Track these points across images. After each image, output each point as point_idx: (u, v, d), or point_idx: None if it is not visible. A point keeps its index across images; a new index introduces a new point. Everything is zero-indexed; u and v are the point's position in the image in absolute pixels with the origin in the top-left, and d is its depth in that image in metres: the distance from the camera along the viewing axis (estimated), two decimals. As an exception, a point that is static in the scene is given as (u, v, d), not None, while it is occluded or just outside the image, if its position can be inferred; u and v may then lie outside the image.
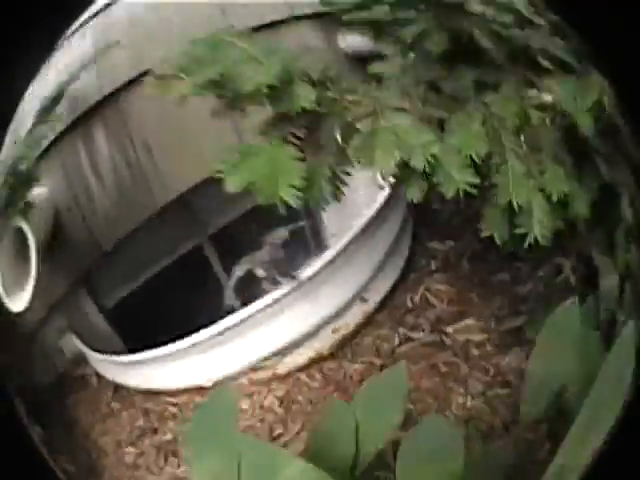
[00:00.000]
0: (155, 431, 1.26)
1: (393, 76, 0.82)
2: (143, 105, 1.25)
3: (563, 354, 0.81)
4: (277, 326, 1.13)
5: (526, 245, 0.73)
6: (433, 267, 1.23)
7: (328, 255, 1.14)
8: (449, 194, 0.69)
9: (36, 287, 1.10)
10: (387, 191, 1.19)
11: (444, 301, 1.18)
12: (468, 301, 1.16)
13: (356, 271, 1.17)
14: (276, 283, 1.12)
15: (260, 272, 1.14)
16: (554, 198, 0.72)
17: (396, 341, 1.15)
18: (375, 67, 0.87)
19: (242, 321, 1.11)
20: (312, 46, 1.36)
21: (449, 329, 1.14)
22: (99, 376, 1.40)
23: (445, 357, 1.08)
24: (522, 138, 0.74)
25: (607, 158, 0.79)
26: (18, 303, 1.11)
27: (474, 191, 0.69)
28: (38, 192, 1.28)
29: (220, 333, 1.11)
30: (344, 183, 0.72)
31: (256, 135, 0.72)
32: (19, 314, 1.16)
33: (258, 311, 1.10)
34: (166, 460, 1.21)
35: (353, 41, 1.32)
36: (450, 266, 1.22)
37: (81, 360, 1.44)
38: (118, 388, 1.37)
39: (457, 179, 0.68)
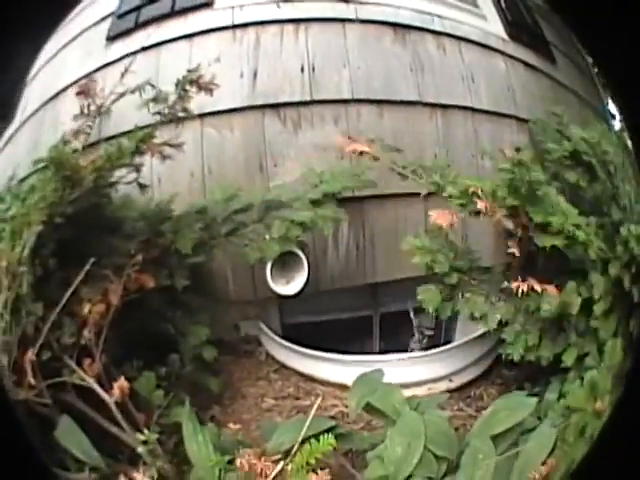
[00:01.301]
0: (297, 398, 1.97)
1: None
2: (379, 215, 2.11)
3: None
4: (405, 370, 1.99)
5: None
6: (498, 381, 2.09)
7: (446, 347, 2.05)
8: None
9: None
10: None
11: (491, 399, 2.01)
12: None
13: (455, 362, 2.05)
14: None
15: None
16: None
17: (455, 407, 1.99)
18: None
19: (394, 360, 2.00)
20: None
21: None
22: (268, 354, 2.13)
23: (467, 420, 1.92)
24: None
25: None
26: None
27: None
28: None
29: (375, 361, 1.97)
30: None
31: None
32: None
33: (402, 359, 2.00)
34: (297, 413, 1.89)
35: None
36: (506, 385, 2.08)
37: (252, 340, 2.17)
38: (281, 368, 2.09)
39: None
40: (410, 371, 1.99)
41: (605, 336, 1.76)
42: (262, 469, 1.31)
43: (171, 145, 1.90)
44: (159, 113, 1.92)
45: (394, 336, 2.18)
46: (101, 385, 1.57)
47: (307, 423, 1.46)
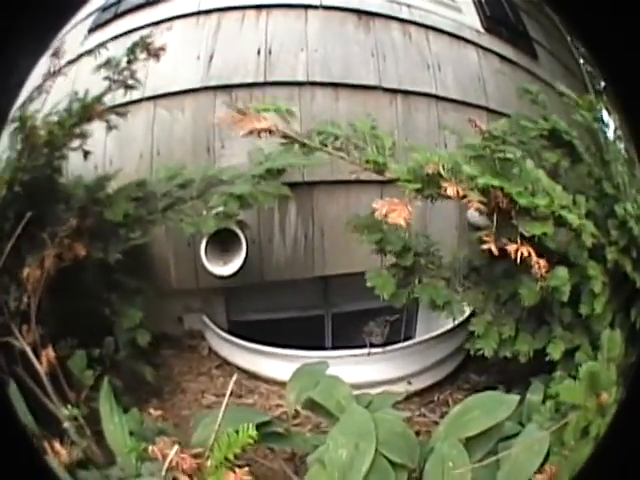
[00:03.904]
0: (240, 396, 1.92)
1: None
2: (330, 203, 2.10)
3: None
4: (358, 369, 1.92)
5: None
6: (465, 386, 2.00)
7: (405, 344, 1.97)
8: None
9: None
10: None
11: (455, 404, 1.91)
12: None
13: (415, 363, 1.97)
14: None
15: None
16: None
17: (417, 412, 1.91)
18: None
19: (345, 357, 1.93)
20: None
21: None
22: (210, 350, 2.11)
23: (431, 426, 1.82)
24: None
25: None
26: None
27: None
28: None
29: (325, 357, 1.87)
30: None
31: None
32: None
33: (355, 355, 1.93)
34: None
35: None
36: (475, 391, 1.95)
37: (195, 335, 2.16)
38: (224, 365, 2.07)
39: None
40: (363, 370, 1.92)
41: (599, 328, 1.60)
42: (177, 462, 1.18)
43: (117, 113, 1.95)
44: (108, 78, 1.99)
45: (348, 338, 2.09)
46: (37, 355, 1.61)
47: (221, 411, 1.22)
